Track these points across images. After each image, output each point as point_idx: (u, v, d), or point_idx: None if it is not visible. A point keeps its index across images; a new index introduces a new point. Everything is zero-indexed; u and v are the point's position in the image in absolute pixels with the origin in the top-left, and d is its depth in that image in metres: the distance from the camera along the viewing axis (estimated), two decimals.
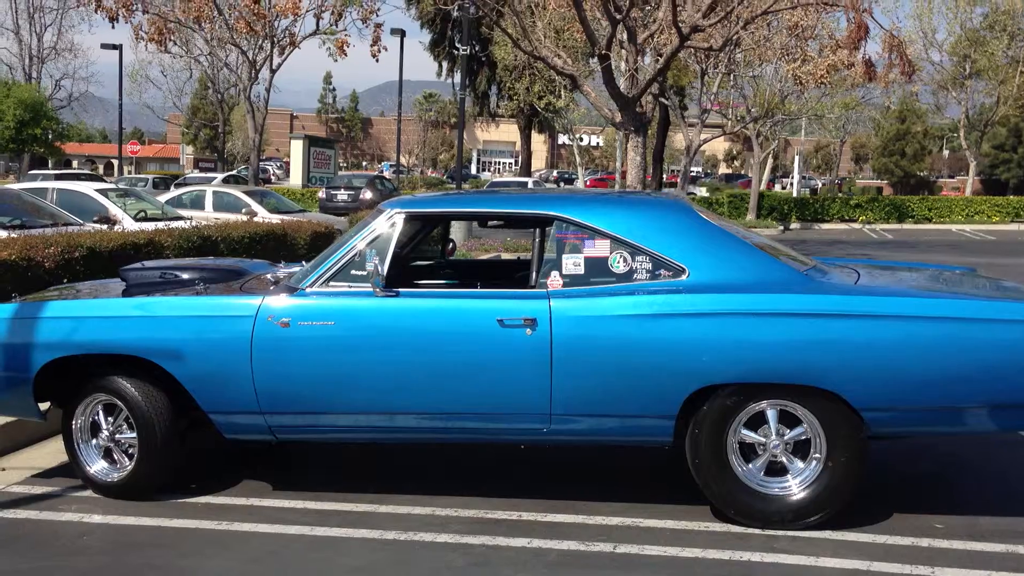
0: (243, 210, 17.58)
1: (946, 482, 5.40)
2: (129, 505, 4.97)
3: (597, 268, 4.75)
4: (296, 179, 38.60)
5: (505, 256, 16.79)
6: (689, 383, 4.55)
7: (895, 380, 4.43)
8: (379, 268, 4.76)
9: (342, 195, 29.47)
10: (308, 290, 4.89)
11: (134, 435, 5.00)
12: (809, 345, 4.45)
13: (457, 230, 16.96)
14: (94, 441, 5.14)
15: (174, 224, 11.08)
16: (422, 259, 6.28)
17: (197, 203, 19.11)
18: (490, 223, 5.85)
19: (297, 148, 38.96)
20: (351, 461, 5.72)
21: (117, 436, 5.07)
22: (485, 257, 16.49)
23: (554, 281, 4.75)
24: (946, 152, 75.07)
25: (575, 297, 4.67)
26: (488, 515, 4.82)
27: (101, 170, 61.10)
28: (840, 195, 40.98)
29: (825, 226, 33.00)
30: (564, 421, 4.70)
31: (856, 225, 33.01)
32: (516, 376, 4.65)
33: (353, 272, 4.90)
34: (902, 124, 56.47)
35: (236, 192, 19.77)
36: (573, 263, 4.77)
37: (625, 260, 4.73)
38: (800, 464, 4.66)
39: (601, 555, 4.33)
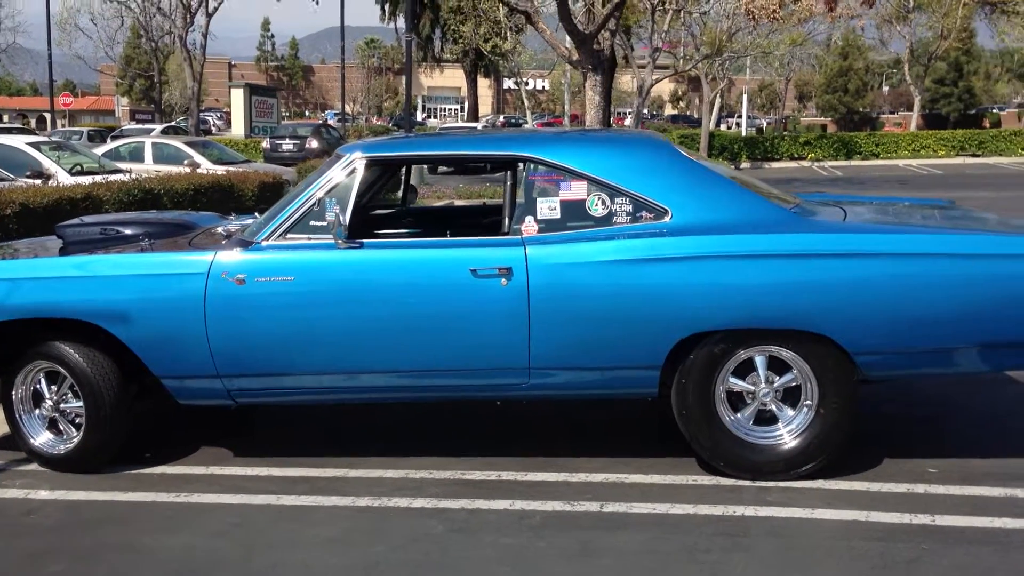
0: (185, 161, 16.99)
1: (936, 425, 5.25)
2: (78, 479, 4.63)
3: (574, 212, 4.46)
4: (238, 129, 37.61)
5: (459, 203, 16.44)
6: (675, 331, 4.31)
7: (888, 321, 4.23)
8: (340, 218, 4.42)
9: (287, 145, 28.72)
10: (264, 244, 4.54)
11: (80, 404, 4.64)
12: (800, 287, 4.22)
13: None
14: (37, 411, 4.78)
15: (112, 177, 10.57)
16: (383, 208, 5.94)
17: (136, 155, 18.43)
18: (441, 168, 5.53)
19: (238, 97, 37.89)
20: (317, 423, 5.43)
21: (62, 406, 4.72)
22: (442, 204, 16.14)
23: (529, 227, 4.45)
24: (886, 88, 75.65)
25: (552, 243, 4.39)
26: (465, 476, 4.57)
27: (33, 124, 59.06)
28: (786, 133, 40.99)
29: (775, 164, 33.00)
30: (544, 375, 4.45)
31: (805, 163, 33.07)
32: (491, 329, 4.37)
33: (312, 223, 4.56)
34: (844, 60, 56.65)
35: (177, 143, 19.10)
36: (548, 207, 4.48)
37: (604, 203, 4.45)
38: (790, 412, 4.46)
39: (588, 515, 4.10)
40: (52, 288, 4.55)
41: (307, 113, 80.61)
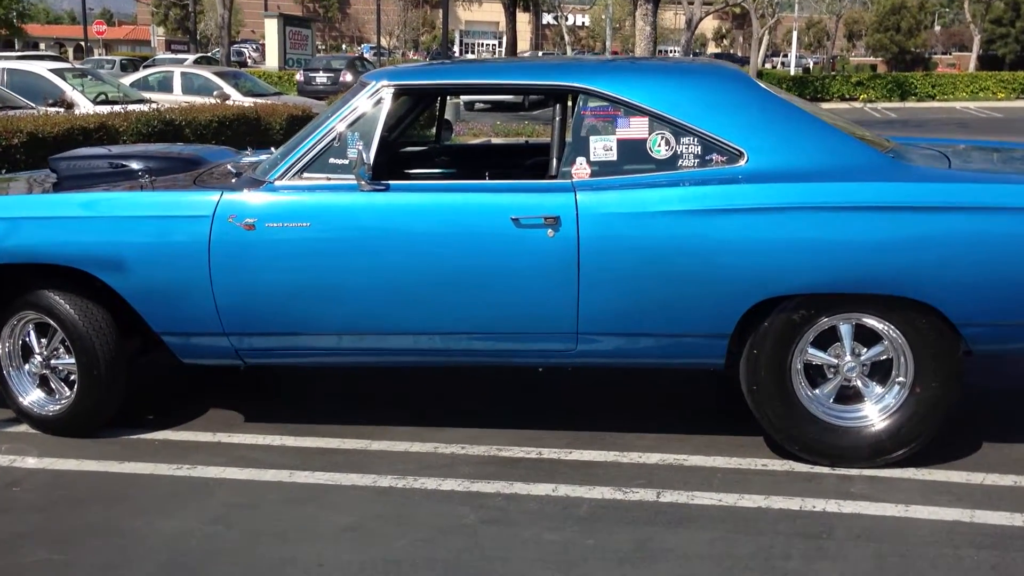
0: (214, 93, 16.42)
1: None
2: (70, 444, 4.14)
3: (633, 153, 3.84)
4: (272, 61, 36.82)
5: (498, 142, 15.76)
6: (749, 295, 3.70)
7: (1003, 288, 3.60)
8: (364, 155, 3.83)
9: (321, 78, 28.08)
10: (277, 183, 3.97)
11: (72, 360, 4.13)
12: (900, 246, 3.59)
13: None
14: (27, 367, 4.28)
15: (133, 107, 10.02)
16: (413, 145, 5.34)
17: (165, 85, 17.92)
18: (479, 104, 4.89)
19: (272, 28, 37.00)
20: (338, 386, 4.90)
21: (53, 362, 4.21)
22: (480, 142, 15.47)
23: (580, 170, 3.84)
24: (938, 28, 73.09)
25: (606, 189, 3.78)
26: (502, 452, 4.03)
27: (70, 53, 58.59)
28: (835, 73, 39.56)
29: (825, 105, 31.67)
30: (594, 341, 3.87)
31: (857, 104, 31.82)
32: (534, 287, 3.79)
33: (332, 161, 3.98)
34: None
35: (207, 74, 18.52)
36: (603, 147, 3.85)
37: (668, 143, 3.82)
38: (879, 389, 3.86)
39: (643, 505, 3.55)
40: (33, 230, 4.02)
41: (343, 47, 79.44)
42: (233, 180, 4.19)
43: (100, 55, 45.15)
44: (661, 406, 4.58)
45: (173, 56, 37.01)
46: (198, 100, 14.01)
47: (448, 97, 7.26)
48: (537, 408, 4.55)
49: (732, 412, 4.16)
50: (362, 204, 3.89)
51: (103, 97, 13.48)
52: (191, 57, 33.26)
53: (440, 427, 4.29)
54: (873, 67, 54.29)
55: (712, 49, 78.66)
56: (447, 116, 5.91)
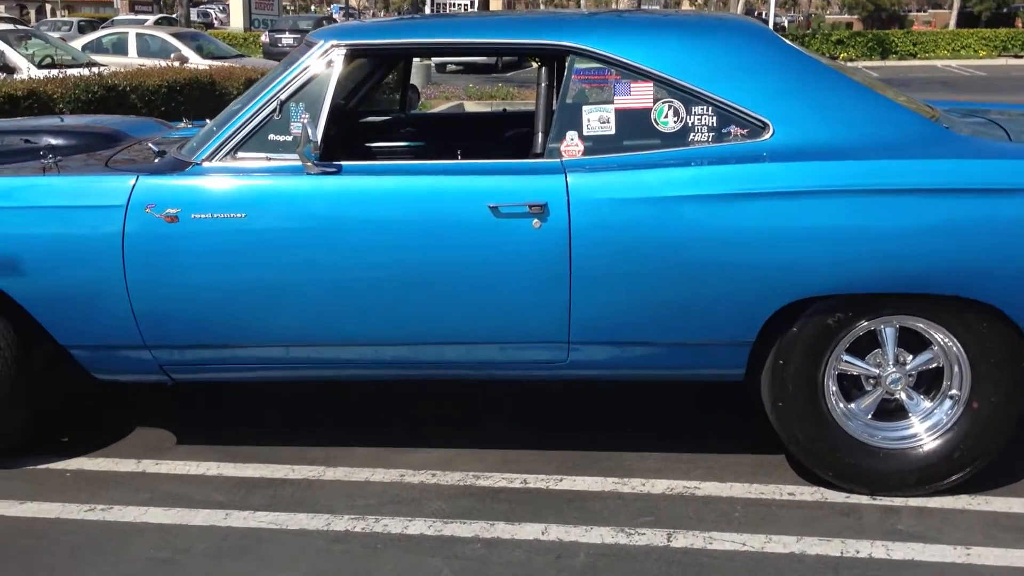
0: (172, 55, 15.50)
1: None
2: None
3: (635, 126, 3.19)
4: (237, 22, 35.67)
5: (471, 107, 15.01)
6: (776, 296, 3.08)
7: None
8: (310, 131, 3.15)
9: (287, 39, 26.98)
10: (206, 165, 3.28)
11: None
12: (959, 236, 2.97)
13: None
14: None
15: (75, 71, 9.21)
16: (373, 115, 4.65)
17: (120, 48, 16.96)
18: (450, 66, 4.21)
19: None
20: (286, 399, 4.23)
21: None
22: (445, 109, 14.70)
23: (571, 147, 3.18)
24: None
25: (603, 170, 3.13)
26: (479, 481, 3.40)
27: (32, 15, 56.71)
28: (812, 31, 38.78)
29: None
30: (589, 351, 3.24)
31: (838, 63, 31.10)
32: (517, 288, 3.15)
33: (272, 138, 3.29)
34: None
35: (164, 35, 17.55)
36: (599, 119, 3.20)
37: (677, 113, 3.17)
38: (926, 403, 3.26)
39: (652, 552, 2.93)
40: None
41: (312, 8, 77.68)
42: (155, 160, 3.50)
43: (62, 16, 43.66)
44: (661, 418, 3.96)
45: (133, 17, 35.69)
46: (156, 63, 13.16)
47: (415, 59, 6.56)
48: (519, 422, 3.91)
49: (740, 422, 3.56)
50: (308, 190, 3.22)
51: (49, 60, 12.62)
52: (152, 18, 32.05)
53: (407, 448, 3.65)
54: (849, 25, 53.57)
55: (686, 6, 77.59)
56: (414, 81, 5.22)
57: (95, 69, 9.65)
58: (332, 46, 3.33)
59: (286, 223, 3.21)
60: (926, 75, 25.73)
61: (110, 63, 13.46)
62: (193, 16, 36.29)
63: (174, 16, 38.69)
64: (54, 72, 10.16)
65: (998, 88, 20.61)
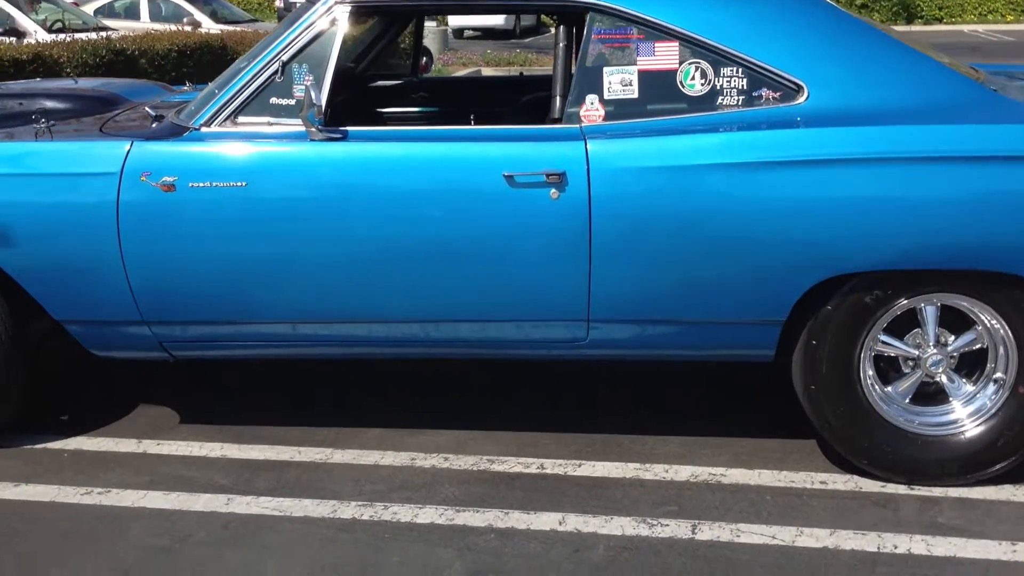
0: (184, 20, 15.26)
1: None
2: None
3: (660, 89, 2.98)
4: None
5: (488, 73, 14.74)
6: (810, 271, 2.88)
7: None
8: (313, 94, 2.96)
9: (301, 2, 26.70)
10: (204, 130, 3.10)
11: None
12: (1013, 208, 2.76)
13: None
14: None
15: (83, 35, 9.03)
16: (382, 78, 4.45)
17: (131, 12, 16.74)
18: (469, 30, 4.01)
19: None
20: (293, 375, 4.07)
21: None
22: (467, 74, 14.43)
23: (591, 112, 2.98)
24: None
25: (625, 137, 2.93)
26: (493, 466, 3.23)
27: None
28: None
29: None
30: (610, 329, 3.06)
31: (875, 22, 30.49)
32: (534, 262, 2.96)
33: (274, 101, 3.11)
34: None
35: None
36: (621, 82, 2.99)
37: (704, 75, 2.96)
38: (968, 387, 3.07)
39: (675, 545, 2.76)
40: None
41: None
42: (152, 125, 3.32)
43: None
44: (683, 398, 3.77)
45: None
46: (168, 28, 12.97)
47: (427, 19, 6.33)
48: (536, 403, 3.74)
49: (766, 404, 3.37)
50: (312, 157, 3.03)
51: (60, 24, 12.44)
52: None
53: (419, 429, 3.49)
54: None
55: None
56: (429, 46, 5.00)
57: (104, 33, 9.46)
58: (336, 2, 3.13)
59: (289, 192, 3.03)
60: (953, 40, 25.16)
61: (121, 27, 13.30)
62: None
63: None
64: (63, 36, 10.00)
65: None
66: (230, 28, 12.98)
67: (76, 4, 18.22)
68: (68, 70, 7.49)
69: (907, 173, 2.77)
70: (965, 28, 29.50)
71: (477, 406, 3.69)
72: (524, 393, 3.84)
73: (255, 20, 18.28)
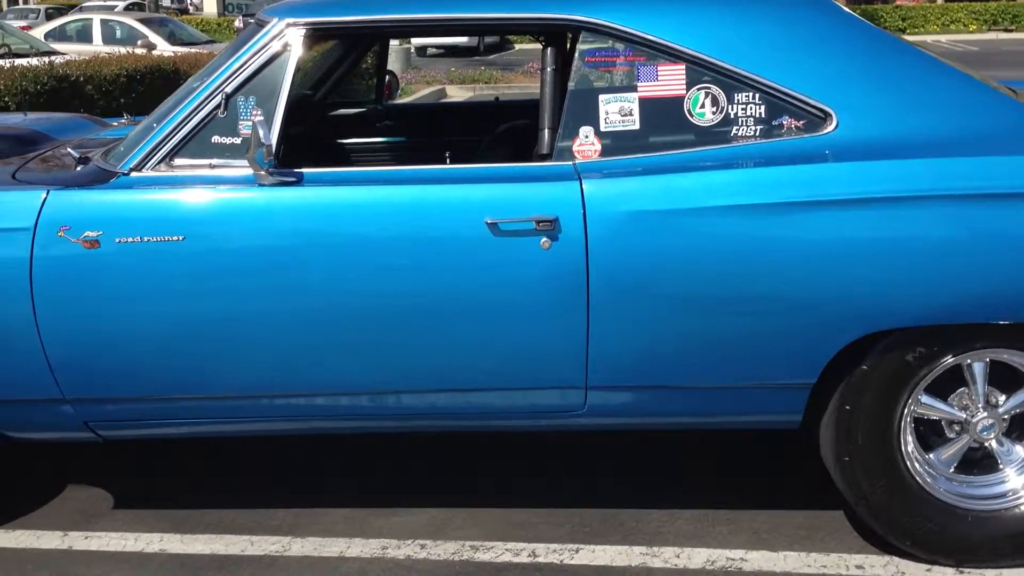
0: (139, 42, 14.76)
1: None
2: None
3: (665, 119, 2.58)
4: (211, 7, 34.77)
5: (454, 95, 14.33)
6: (844, 328, 2.48)
7: None
8: (262, 132, 2.52)
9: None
10: (135, 175, 2.65)
11: None
12: None
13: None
14: None
15: (25, 61, 8.52)
16: (344, 106, 4.02)
17: (84, 35, 16.22)
18: (432, 47, 3.59)
19: None
20: (246, 445, 3.59)
21: None
22: (427, 94, 14.01)
23: (586, 146, 2.57)
24: None
25: (626, 175, 2.52)
26: (477, 554, 2.80)
27: (3, 2, 55.45)
28: None
29: None
30: (610, 396, 2.64)
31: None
32: (523, 322, 2.54)
33: (216, 140, 2.67)
34: None
35: (130, 21, 16.79)
36: (619, 111, 2.58)
37: (716, 102, 2.56)
38: (1022, 452, 2.68)
39: None
40: None
41: None
42: (76, 168, 2.86)
43: (28, 3, 42.54)
44: (689, 466, 3.35)
45: (103, 3, 34.73)
46: (122, 51, 12.45)
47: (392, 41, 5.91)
48: (523, 474, 3.30)
49: (777, 466, 2.97)
50: (261, 205, 2.59)
51: (7, 49, 11.89)
52: (122, 4, 31.11)
53: (391, 509, 3.04)
54: None
55: None
56: (392, 67, 4.59)
57: (48, 59, 8.95)
58: (288, 25, 2.70)
59: (234, 246, 2.58)
60: None
61: (73, 51, 12.77)
62: (167, 2, 35.46)
63: (145, 1, 37.77)
64: (4, 63, 9.47)
65: (996, 63, 20.04)
66: (184, 50, 12.47)
67: (28, 29, 17.67)
68: (7, 99, 6.97)
69: (958, 213, 2.39)
70: (928, 39, 29.54)
71: (457, 478, 3.26)
72: (508, 462, 3.40)
73: (212, 41, 17.80)
